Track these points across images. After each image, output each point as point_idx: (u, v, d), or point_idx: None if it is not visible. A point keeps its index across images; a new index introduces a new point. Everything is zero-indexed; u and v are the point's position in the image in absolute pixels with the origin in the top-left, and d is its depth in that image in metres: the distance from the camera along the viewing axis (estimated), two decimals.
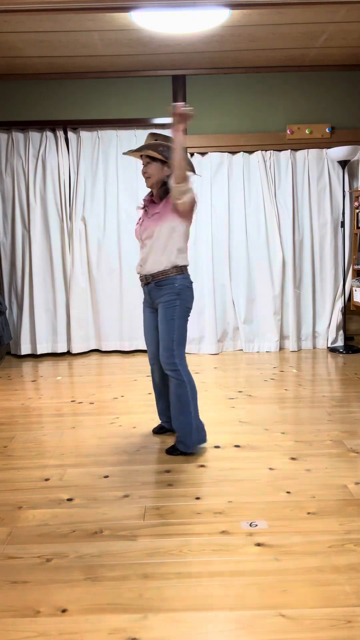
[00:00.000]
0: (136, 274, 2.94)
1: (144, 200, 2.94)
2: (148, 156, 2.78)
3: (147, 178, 2.80)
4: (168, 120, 5.05)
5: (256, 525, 2.13)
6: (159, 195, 2.82)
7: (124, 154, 2.94)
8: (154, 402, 3.72)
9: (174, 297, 2.76)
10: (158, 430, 3.15)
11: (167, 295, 2.76)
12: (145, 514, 2.24)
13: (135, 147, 5.09)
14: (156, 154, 2.73)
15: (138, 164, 5.09)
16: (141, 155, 2.83)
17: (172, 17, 3.78)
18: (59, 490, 2.48)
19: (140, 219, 2.92)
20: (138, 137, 5.10)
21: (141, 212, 2.95)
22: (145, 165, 2.79)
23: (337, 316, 5.23)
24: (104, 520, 2.21)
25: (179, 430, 2.81)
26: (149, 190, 2.88)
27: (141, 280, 2.89)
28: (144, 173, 2.80)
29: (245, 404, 3.63)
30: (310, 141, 5.09)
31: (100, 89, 5.06)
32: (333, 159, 4.92)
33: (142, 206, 2.96)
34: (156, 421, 3.34)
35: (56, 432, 3.22)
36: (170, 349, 2.76)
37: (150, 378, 4.35)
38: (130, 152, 2.84)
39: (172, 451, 2.84)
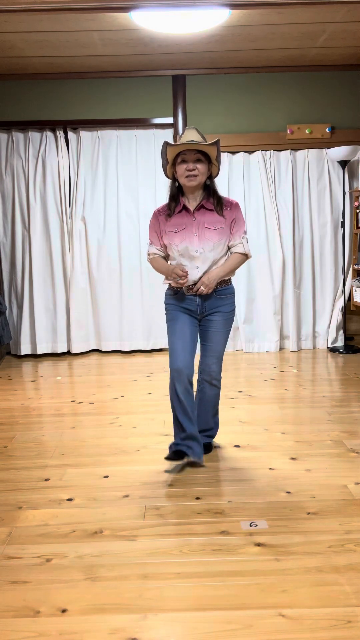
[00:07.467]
0: (164, 283, 2.71)
1: (176, 206, 2.59)
2: (200, 152, 2.48)
3: (193, 177, 2.47)
4: (168, 120, 5.07)
5: (256, 525, 2.13)
6: (212, 202, 2.57)
7: (171, 145, 2.47)
8: (153, 402, 3.71)
9: (234, 307, 2.71)
10: (177, 456, 2.64)
11: (229, 305, 2.68)
12: (145, 514, 2.24)
13: (135, 147, 5.09)
14: (216, 152, 2.50)
15: (138, 163, 5.09)
16: (179, 154, 2.49)
17: (172, 17, 3.78)
18: (59, 490, 2.48)
19: (180, 228, 2.57)
20: (138, 137, 5.09)
21: (173, 221, 2.59)
22: (194, 162, 2.47)
23: (337, 316, 5.23)
24: (104, 520, 2.21)
25: (215, 427, 2.88)
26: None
27: (189, 289, 2.59)
28: (190, 170, 2.46)
29: (245, 404, 3.63)
30: (310, 141, 5.08)
31: (100, 89, 5.05)
32: (333, 159, 4.92)
33: (169, 212, 2.60)
34: (156, 421, 3.33)
35: (56, 432, 3.22)
36: (222, 360, 2.72)
37: (149, 378, 4.35)
38: (189, 145, 2.43)
39: (210, 449, 2.86)
